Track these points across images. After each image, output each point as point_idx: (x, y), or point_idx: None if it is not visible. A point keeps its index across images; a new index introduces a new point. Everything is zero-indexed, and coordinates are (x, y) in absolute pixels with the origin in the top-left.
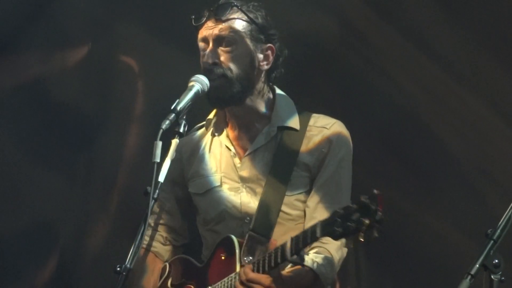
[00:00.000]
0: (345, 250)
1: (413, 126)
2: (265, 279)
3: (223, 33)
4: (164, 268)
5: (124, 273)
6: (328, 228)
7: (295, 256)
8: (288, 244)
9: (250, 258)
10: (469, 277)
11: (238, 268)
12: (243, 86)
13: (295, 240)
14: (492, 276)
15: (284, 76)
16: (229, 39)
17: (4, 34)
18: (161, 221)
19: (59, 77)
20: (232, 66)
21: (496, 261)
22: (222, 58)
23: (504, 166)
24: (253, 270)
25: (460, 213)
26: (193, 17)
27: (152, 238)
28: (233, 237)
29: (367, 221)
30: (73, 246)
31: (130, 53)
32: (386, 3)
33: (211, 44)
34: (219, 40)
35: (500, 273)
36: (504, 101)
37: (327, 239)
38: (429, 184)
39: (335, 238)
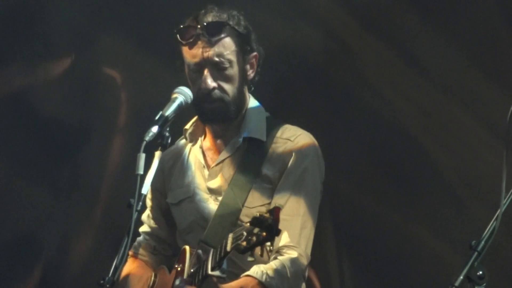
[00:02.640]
0: (303, 260)
1: (398, 137)
2: None
3: (220, 57)
4: (150, 277)
5: (107, 286)
6: (235, 242)
7: (217, 271)
8: (210, 258)
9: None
10: None
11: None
12: (238, 106)
13: (214, 253)
14: None
15: (269, 89)
16: (226, 63)
17: None
18: (149, 230)
19: (42, 88)
20: (229, 88)
21: (480, 272)
22: (219, 81)
23: (488, 177)
24: (191, 283)
25: (444, 223)
26: (180, 30)
27: (141, 247)
28: (187, 247)
29: (264, 234)
30: (57, 259)
31: (113, 64)
32: (372, 15)
33: (206, 71)
34: (215, 64)
35: (484, 284)
36: (488, 113)
37: (285, 251)
38: (413, 194)
39: (241, 252)
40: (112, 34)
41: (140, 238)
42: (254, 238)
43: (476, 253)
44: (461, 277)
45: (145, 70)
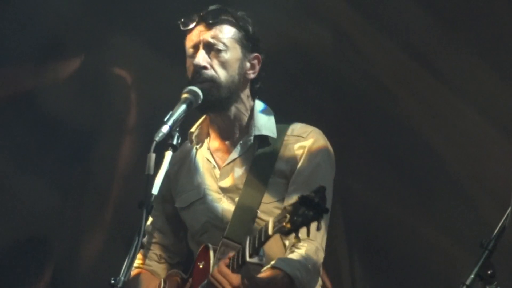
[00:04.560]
0: (321, 254)
1: (406, 134)
2: (234, 277)
3: (214, 38)
4: (159, 284)
5: (118, 286)
6: (278, 225)
7: (255, 258)
8: (246, 245)
9: None
10: (465, 287)
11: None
12: (230, 92)
13: (252, 240)
14: (487, 287)
15: (278, 88)
16: (220, 45)
17: None
18: (154, 240)
19: (52, 89)
20: (221, 71)
21: (491, 271)
22: (212, 63)
23: (497, 174)
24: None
25: (455, 222)
26: (182, 21)
27: (147, 257)
28: (209, 245)
29: (311, 213)
30: (68, 259)
31: (123, 64)
32: (380, 13)
33: (201, 49)
34: (210, 45)
35: (495, 283)
36: (497, 109)
37: (303, 244)
38: (423, 192)
39: (285, 234)
40: (122, 34)
41: (144, 249)
42: (300, 219)
43: (487, 252)
44: (472, 276)
45: (155, 70)
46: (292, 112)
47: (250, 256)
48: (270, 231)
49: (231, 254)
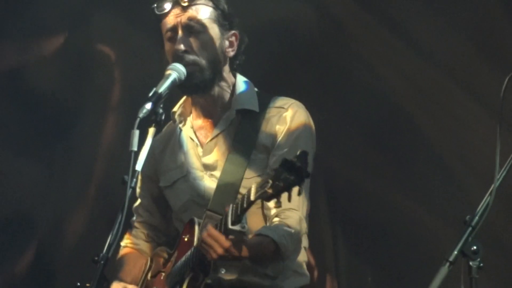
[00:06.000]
0: (304, 224)
1: (392, 114)
2: (223, 240)
3: (192, 20)
4: (146, 263)
5: (102, 262)
6: (260, 191)
7: (237, 226)
8: (229, 213)
9: None
10: (448, 263)
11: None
12: (213, 73)
13: (234, 208)
14: (470, 263)
15: (262, 66)
16: (199, 26)
17: None
18: (141, 219)
19: (35, 66)
20: (202, 52)
21: (475, 247)
22: (193, 45)
23: (481, 152)
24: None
25: (438, 199)
26: (155, 5)
27: (134, 236)
28: (194, 218)
29: (292, 178)
30: (51, 236)
31: (107, 42)
32: None
33: (180, 32)
34: (188, 28)
35: (479, 259)
36: (482, 88)
37: (286, 214)
38: (407, 170)
39: (267, 199)
40: (106, 12)
41: (132, 229)
42: (282, 184)
43: (470, 228)
44: (456, 252)
45: (139, 47)
46: (275, 90)
47: (233, 224)
48: (252, 197)
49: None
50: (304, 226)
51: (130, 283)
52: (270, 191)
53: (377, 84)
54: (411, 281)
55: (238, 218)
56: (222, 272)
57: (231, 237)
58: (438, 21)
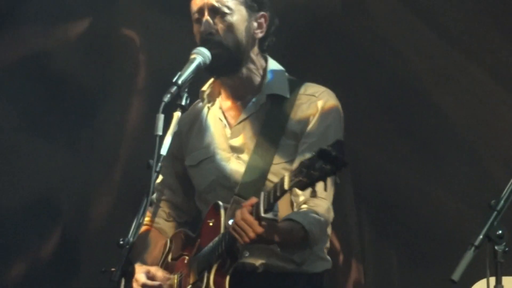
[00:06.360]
0: (331, 213)
1: (415, 95)
2: (256, 225)
3: (219, 2)
4: (165, 244)
5: (126, 247)
6: (295, 179)
7: (270, 214)
8: (261, 200)
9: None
10: (473, 248)
11: (222, 231)
12: (239, 55)
13: (267, 195)
14: (496, 247)
15: (285, 46)
16: (225, 8)
17: (6, 7)
18: (163, 197)
19: (61, 50)
20: (228, 35)
21: (500, 232)
22: (218, 28)
23: (506, 136)
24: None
25: (463, 183)
26: None
27: (155, 214)
28: (219, 202)
29: (328, 167)
30: (76, 220)
31: (132, 25)
32: None
33: (206, 14)
34: (214, 10)
35: (504, 243)
36: (506, 70)
37: (315, 202)
38: (431, 154)
39: (301, 188)
40: None
41: (153, 206)
42: (317, 173)
43: (495, 213)
44: (481, 237)
45: (164, 31)
46: (300, 73)
47: (265, 212)
48: (286, 185)
49: (254, 201)
50: (331, 215)
51: (151, 264)
52: (305, 179)
53: (402, 68)
54: (436, 265)
55: (271, 206)
56: (246, 255)
57: (263, 223)
58: (464, 5)
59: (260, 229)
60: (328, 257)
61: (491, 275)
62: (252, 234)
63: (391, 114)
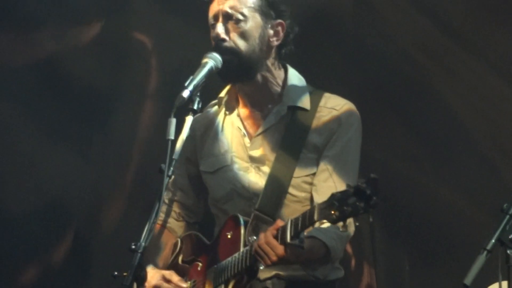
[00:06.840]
0: (352, 228)
1: (427, 98)
2: (281, 250)
3: (232, 8)
4: (176, 244)
5: (139, 251)
6: (325, 212)
7: (296, 240)
8: (288, 227)
9: (254, 238)
10: (485, 252)
11: (242, 248)
12: (252, 62)
13: (294, 223)
14: (508, 251)
15: (298, 53)
16: (239, 15)
17: (18, 12)
18: (175, 198)
19: (72, 54)
20: (240, 42)
21: None
22: (231, 34)
23: None
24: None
25: (475, 186)
26: None
27: (165, 213)
28: (240, 216)
29: (362, 205)
30: (88, 224)
31: (144, 29)
32: None
33: (220, 19)
34: (228, 16)
35: None
36: None
37: None
38: (443, 156)
39: (332, 222)
40: None
41: (163, 205)
42: (350, 209)
43: (508, 217)
44: (493, 241)
45: (176, 35)
46: (313, 78)
47: (291, 238)
48: (316, 217)
49: (279, 224)
50: (353, 229)
51: (163, 267)
52: (336, 213)
53: (414, 72)
54: (448, 269)
55: (297, 234)
56: (261, 267)
57: (287, 249)
58: (474, 7)
59: (284, 253)
60: (340, 266)
61: (503, 279)
62: (275, 258)
63: (403, 116)
